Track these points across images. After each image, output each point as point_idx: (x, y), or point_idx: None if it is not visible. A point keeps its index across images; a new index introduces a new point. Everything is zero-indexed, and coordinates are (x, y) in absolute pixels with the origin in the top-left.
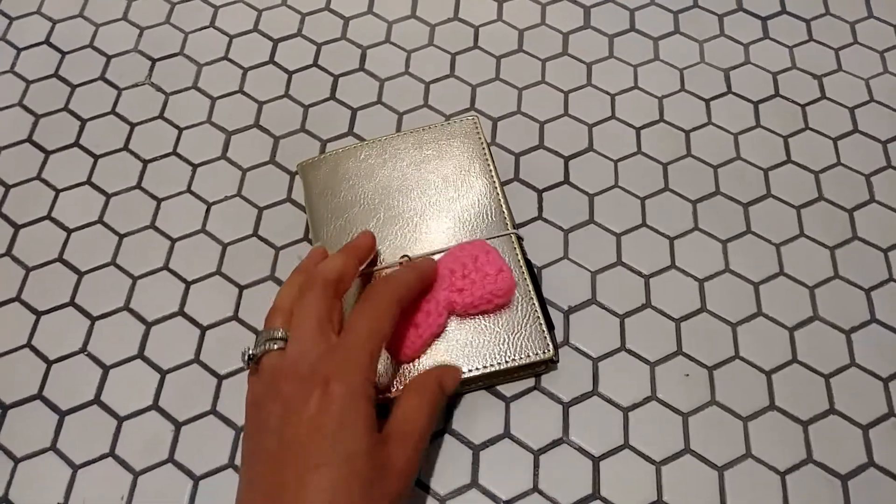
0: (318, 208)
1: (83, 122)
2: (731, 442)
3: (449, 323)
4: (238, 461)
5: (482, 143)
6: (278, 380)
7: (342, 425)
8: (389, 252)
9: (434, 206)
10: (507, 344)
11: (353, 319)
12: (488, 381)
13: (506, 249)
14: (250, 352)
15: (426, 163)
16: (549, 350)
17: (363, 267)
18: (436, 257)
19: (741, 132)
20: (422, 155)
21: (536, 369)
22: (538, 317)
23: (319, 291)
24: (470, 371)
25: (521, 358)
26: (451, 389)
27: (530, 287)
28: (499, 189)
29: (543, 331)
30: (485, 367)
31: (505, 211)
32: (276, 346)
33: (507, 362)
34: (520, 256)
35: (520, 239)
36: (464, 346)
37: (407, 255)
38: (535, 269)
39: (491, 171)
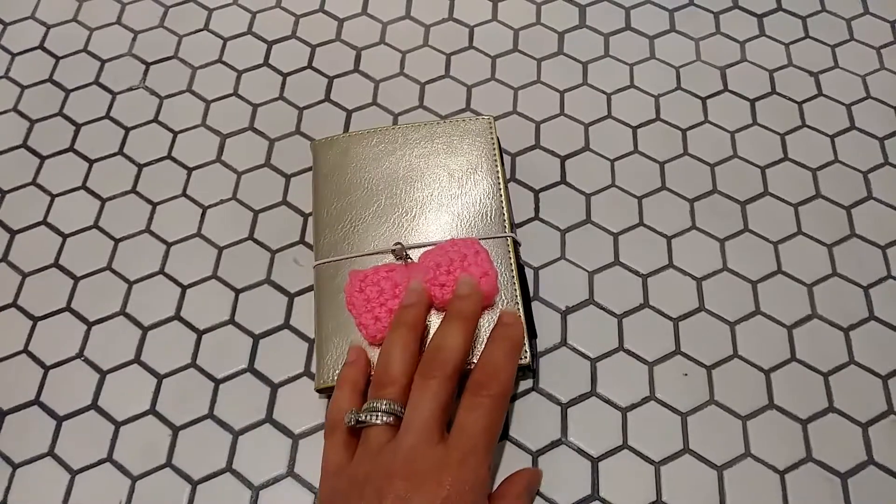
0: (323, 188)
1: (78, 126)
2: (730, 441)
3: (431, 313)
4: (236, 465)
5: (494, 145)
6: (389, 468)
7: None
8: (383, 238)
9: (435, 200)
10: (485, 344)
11: (467, 421)
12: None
13: (500, 252)
14: (359, 416)
15: (435, 156)
16: (525, 357)
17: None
18: (427, 249)
19: (738, 130)
20: (432, 147)
21: None
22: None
23: (445, 382)
24: None
25: None
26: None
27: (517, 292)
28: (503, 192)
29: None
30: None
31: (505, 213)
32: (387, 420)
33: None
34: (513, 260)
35: (517, 244)
36: None
37: (400, 243)
38: (533, 270)
39: (498, 172)
